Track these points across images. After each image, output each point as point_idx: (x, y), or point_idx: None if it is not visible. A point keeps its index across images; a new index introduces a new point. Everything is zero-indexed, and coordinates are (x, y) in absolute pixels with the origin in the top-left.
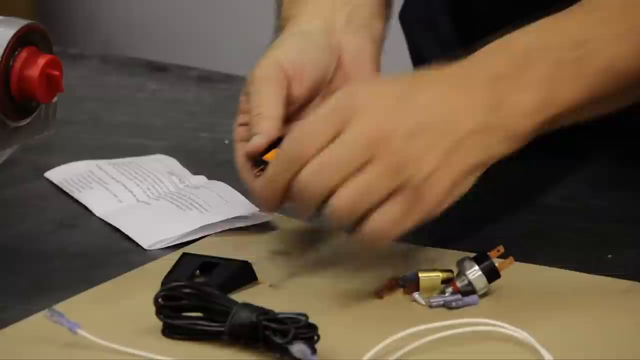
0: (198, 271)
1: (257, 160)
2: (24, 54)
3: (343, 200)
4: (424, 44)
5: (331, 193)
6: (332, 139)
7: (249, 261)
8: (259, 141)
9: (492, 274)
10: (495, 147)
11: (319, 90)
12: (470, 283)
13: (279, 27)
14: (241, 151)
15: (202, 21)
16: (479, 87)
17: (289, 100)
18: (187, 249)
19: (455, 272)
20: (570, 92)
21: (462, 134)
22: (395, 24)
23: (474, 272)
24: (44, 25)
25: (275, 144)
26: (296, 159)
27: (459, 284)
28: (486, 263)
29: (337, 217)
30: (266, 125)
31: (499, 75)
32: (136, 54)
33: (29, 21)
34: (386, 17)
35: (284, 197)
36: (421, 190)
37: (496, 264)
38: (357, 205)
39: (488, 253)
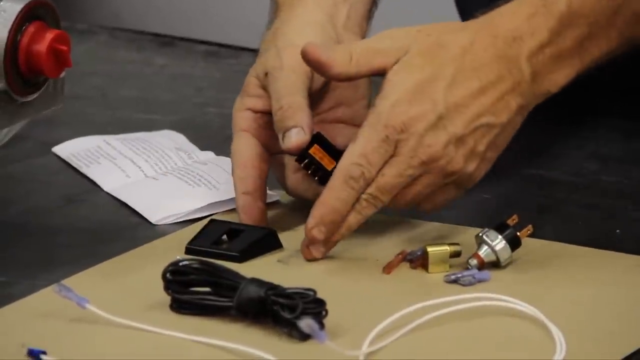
0: (225, 236)
1: (300, 155)
2: (31, 29)
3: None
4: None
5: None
6: None
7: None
8: (303, 136)
9: (514, 242)
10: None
11: (327, 85)
12: (495, 253)
13: (276, 9)
14: (250, 144)
15: None
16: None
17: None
18: (199, 224)
19: (477, 244)
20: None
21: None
22: None
23: (499, 243)
24: (52, 0)
25: (313, 137)
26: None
27: (482, 255)
28: (508, 231)
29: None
30: (304, 117)
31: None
32: (144, 28)
33: None
34: (371, 18)
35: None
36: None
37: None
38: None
39: (506, 222)
